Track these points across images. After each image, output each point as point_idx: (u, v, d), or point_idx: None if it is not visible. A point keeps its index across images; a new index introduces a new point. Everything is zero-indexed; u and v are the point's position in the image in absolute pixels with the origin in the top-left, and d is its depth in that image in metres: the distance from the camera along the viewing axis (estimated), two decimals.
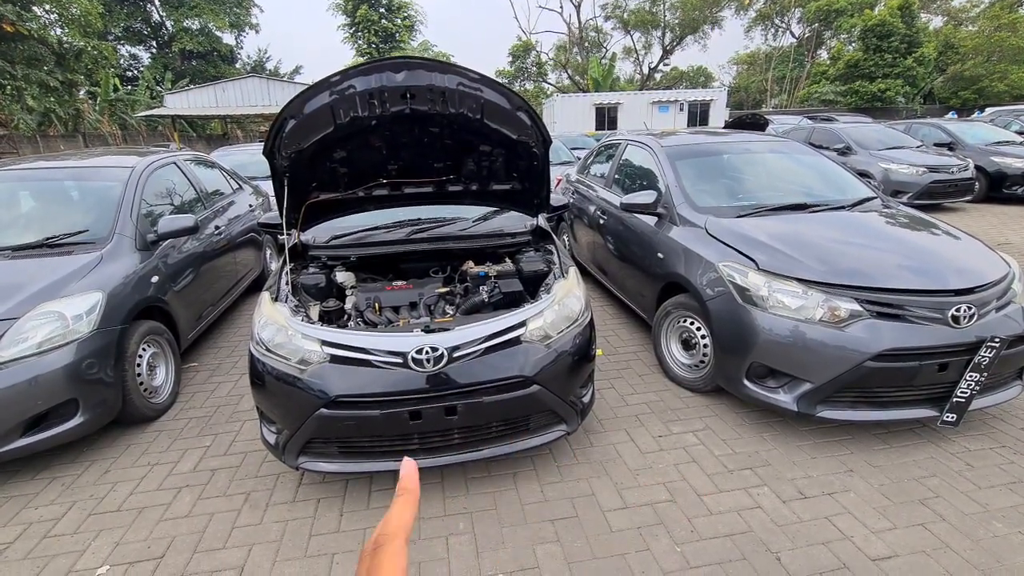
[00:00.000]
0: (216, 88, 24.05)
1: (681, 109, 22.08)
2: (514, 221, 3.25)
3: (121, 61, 34.63)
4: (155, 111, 24.85)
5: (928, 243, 2.92)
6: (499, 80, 2.32)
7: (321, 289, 2.76)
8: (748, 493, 2.36)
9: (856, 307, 2.48)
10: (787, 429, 2.83)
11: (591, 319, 2.55)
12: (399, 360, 2.11)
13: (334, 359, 2.14)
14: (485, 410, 2.18)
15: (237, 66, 38.69)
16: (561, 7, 32.36)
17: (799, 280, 2.62)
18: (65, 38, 26.44)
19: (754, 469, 2.53)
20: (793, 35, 32.49)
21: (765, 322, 2.63)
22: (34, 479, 2.62)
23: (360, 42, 19.54)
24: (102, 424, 2.76)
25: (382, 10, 19.13)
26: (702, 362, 3.11)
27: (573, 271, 2.71)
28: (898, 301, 2.47)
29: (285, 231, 2.82)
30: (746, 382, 2.74)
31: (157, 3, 35.84)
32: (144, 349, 3.06)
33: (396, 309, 2.62)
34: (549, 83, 32.59)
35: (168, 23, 36.28)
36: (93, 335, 2.66)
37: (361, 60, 21.72)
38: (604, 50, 32.57)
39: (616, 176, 4.57)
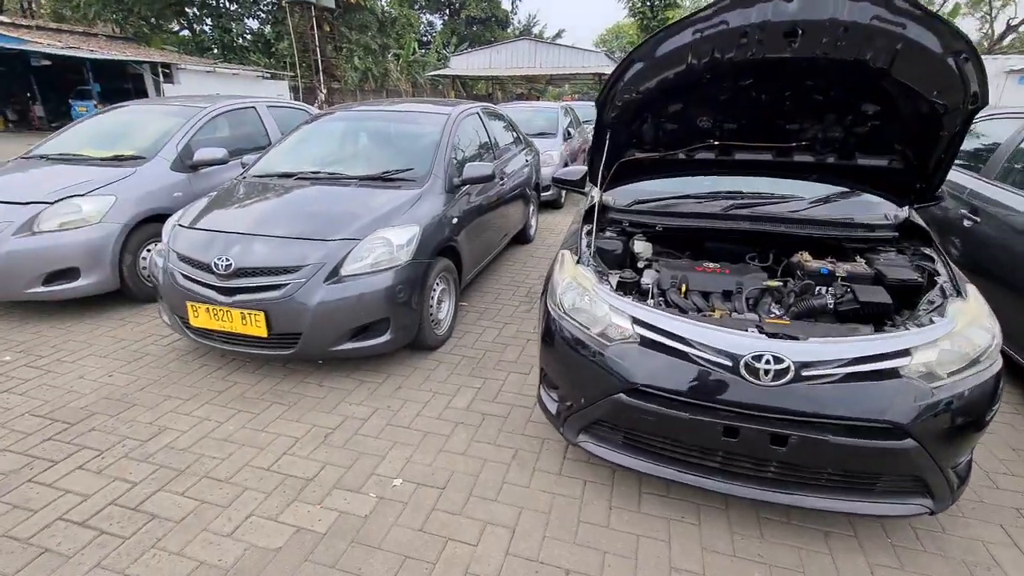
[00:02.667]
0: (492, 51, 26.25)
1: None
2: (869, 209, 2.50)
3: (421, 27, 40.55)
4: (441, 71, 28.38)
5: None
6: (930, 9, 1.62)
7: (616, 256, 2.52)
8: None
9: None
10: None
11: (1001, 367, 1.76)
12: (728, 363, 1.72)
13: (644, 341, 1.87)
14: (827, 452, 1.67)
15: (507, 31, 41.85)
16: None
17: None
18: (386, 8, 31.77)
19: None
20: None
21: None
22: (348, 377, 3.06)
23: (634, 0, 18.85)
24: (401, 345, 3.06)
25: None
26: None
27: (974, 291, 1.92)
28: None
29: (598, 187, 2.64)
30: None
31: None
32: (436, 284, 3.30)
33: (705, 295, 2.22)
34: None
35: None
36: (409, 264, 2.92)
37: (634, 19, 20.97)
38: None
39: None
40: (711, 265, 2.33)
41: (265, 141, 5.26)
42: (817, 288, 2.13)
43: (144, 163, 4.14)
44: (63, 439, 2.48)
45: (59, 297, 3.66)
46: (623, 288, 2.24)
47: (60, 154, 4.40)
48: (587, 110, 11.95)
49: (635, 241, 2.57)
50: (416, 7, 38.72)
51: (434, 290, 3.26)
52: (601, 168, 2.58)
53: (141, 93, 19.86)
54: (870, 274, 2.13)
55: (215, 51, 29.60)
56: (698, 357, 1.77)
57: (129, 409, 2.72)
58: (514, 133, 5.62)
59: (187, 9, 27.94)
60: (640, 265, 2.57)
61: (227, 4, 29.40)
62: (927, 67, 1.80)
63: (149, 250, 4.01)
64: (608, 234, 2.63)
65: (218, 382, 3.00)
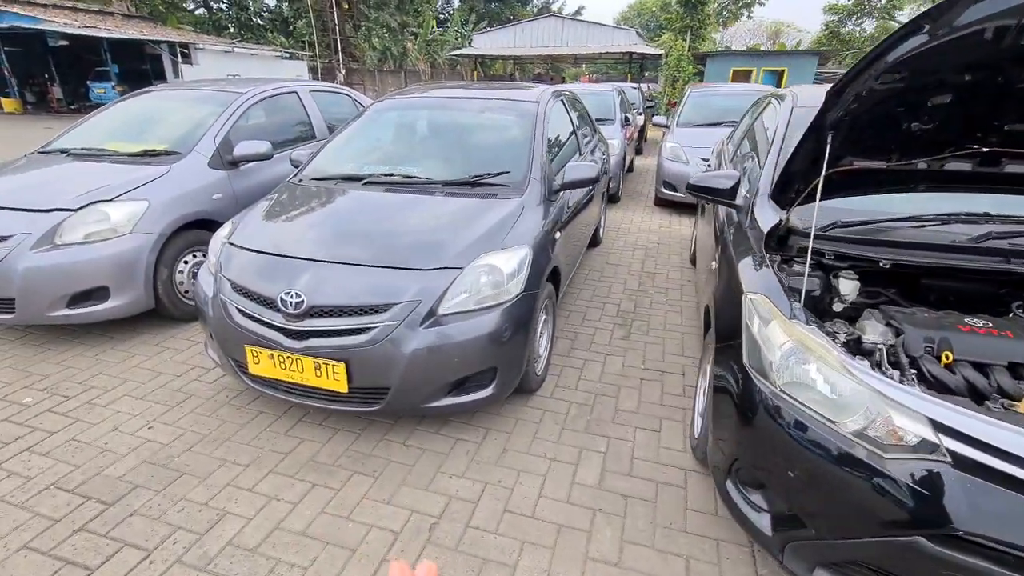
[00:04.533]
0: (516, 28, 25.21)
1: None
2: None
3: (438, 4, 39.38)
4: (463, 51, 27.42)
5: None
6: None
7: (811, 299, 1.88)
8: None
9: None
10: None
11: None
12: None
13: (962, 462, 1.24)
14: None
15: (527, 8, 40.47)
16: None
17: None
18: None
19: None
20: None
21: None
22: (438, 434, 2.48)
23: None
24: (505, 396, 2.47)
25: None
26: None
27: None
28: None
29: (788, 205, 2.00)
30: None
31: None
32: (540, 315, 2.69)
33: (981, 368, 1.58)
34: (898, 22, 25.39)
35: None
36: (521, 298, 2.30)
37: None
38: None
39: None
40: (979, 323, 1.67)
41: (308, 132, 4.65)
42: None
43: (179, 159, 3.56)
44: (98, 530, 1.93)
45: (86, 320, 3.12)
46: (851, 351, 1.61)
47: (82, 148, 3.83)
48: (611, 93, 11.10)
49: (842, 278, 1.92)
50: None
51: (537, 322, 2.65)
52: (798, 180, 1.93)
53: (159, 74, 19.32)
54: None
55: (231, 30, 28.92)
56: None
57: (178, 480, 2.17)
58: (589, 122, 4.93)
59: None
60: (837, 308, 1.94)
61: None
62: None
63: (186, 262, 3.45)
64: (797, 268, 1.99)
65: (281, 439, 2.44)
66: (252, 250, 2.41)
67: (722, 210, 2.86)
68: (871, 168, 1.88)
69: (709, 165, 4.61)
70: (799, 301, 1.73)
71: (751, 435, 1.63)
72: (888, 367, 1.59)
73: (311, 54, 25.57)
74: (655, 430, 2.54)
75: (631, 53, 22.76)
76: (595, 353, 3.25)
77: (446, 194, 2.70)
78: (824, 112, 1.69)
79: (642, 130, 11.63)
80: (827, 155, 1.75)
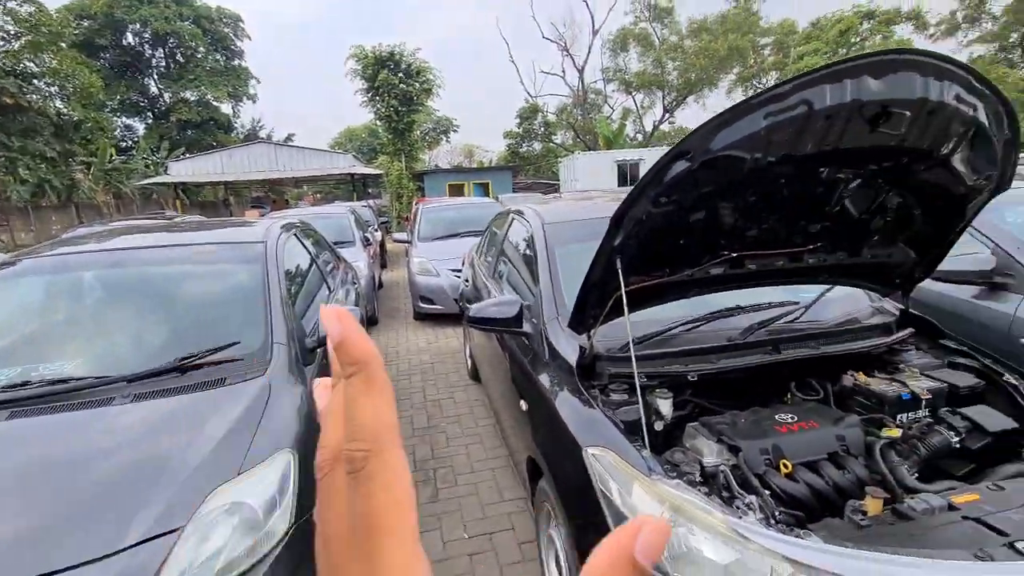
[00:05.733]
0: (224, 154, 23.56)
1: None
2: (857, 304, 2.26)
3: (116, 132, 34.42)
4: (158, 179, 24.19)
5: None
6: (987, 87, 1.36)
7: (632, 426, 1.70)
8: None
9: None
10: None
11: None
12: None
13: None
14: None
15: (231, 135, 38.71)
16: (564, 72, 32.85)
17: None
18: (64, 109, 26.12)
19: None
20: None
21: None
22: None
23: (379, 106, 19.17)
24: None
25: (400, 75, 18.91)
26: None
27: None
28: None
29: (589, 334, 1.82)
30: None
31: (155, 77, 36.13)
32: None
33: (814, 467, 1.56)
34: (555, 143, 32.73)
35: (166, 95, 36.45)
36: (294, 535, 1.53)
37: (380, 123, 21.27)
38: (610, 108, 33.11)
39: None
40: (788, 419, 1.69)
41: None
42: (922, 424, 1.69)
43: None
44: None
45: None
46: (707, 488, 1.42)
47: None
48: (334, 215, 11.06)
49: (658, 398, 1.80)
50: (107, 110, 32.86)
51: None
52: (593, 304, 1.79)
53: None
54: (944, 389, 1.80)
55: None
56: None
57: None
58: (328, 248, 4.40)
59: None
60: (658, 427, 1.80)
61: None
62: (981, 150, 1.59)
63: None
64: (615, 397, 1.80)
65: None
66: None
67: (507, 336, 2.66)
68: (653, 283, 1.87)
69: (467, 280, 4.57)
70: (644, 445, 1.50)
71: None
72: (739, 491, 1.44)
73: None
74: None
75: (352, 174, 23.45)
76: None
77: (134, 399, 1.75)
78: (610, 238, 1.60)
79: (382, 245, 11.64)
80: (621, 278, 1.64)
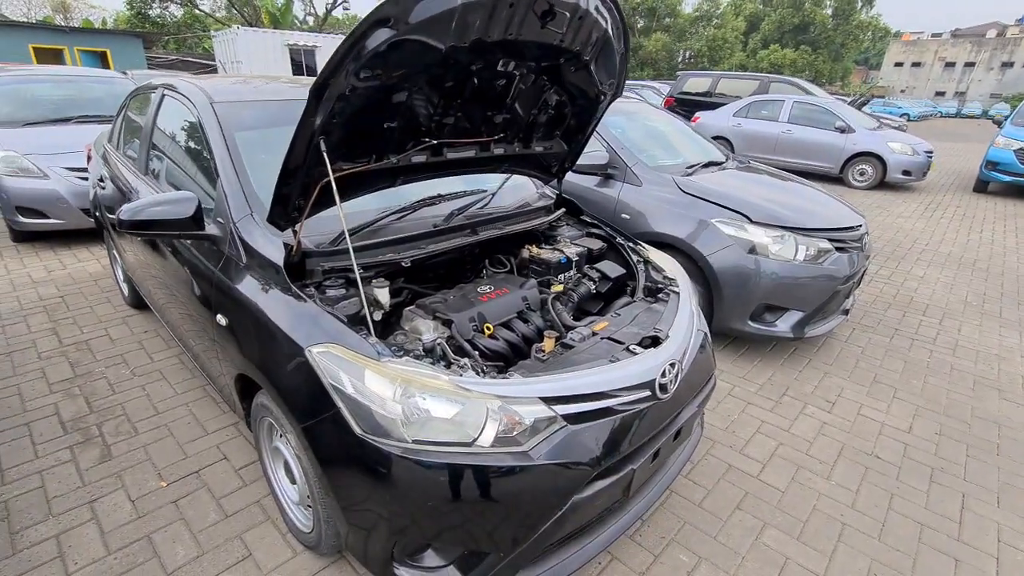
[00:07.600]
0: None
1: None
2: (527, 191, 2.66)
3: None
4: None
5: (810, 193, 3.75)
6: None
7: (360, 319, 1.73)
8: None
9: (827, 245, 3.09)
10: None
11: None
12: (647, 392, 1.57)
13: (569, 418, 1.44)
14: (686, 428, 1.87)
15: None
16: None
17: (784, 228, 3.07)
18: None
19: None
20: None
21: (769, 267, 3.00)
22: None
23: None
24: None
25: None
26: None
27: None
28: (842, 237, 3.20)
29: (294, 229, 1.63)
30: (750, 322, 3.11)
31: None
32: None
33: (508, 325, 1.88)
34: (202, 10, 25.70)
35: None
36: None
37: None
38: None
39: None
40: (486, 289, 1.95)
41: None
42: (573, 278, 2.19)
43: None
44: None
45: None
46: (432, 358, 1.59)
47: None
48: None
49: (375, 289, 1.81)
50: None
51: None
52: (295, 196, 1.61)
53: None
54: (585, 252, 2.36)
55: None
56: (620, 405, 1.52)
57: None
58: None
59: None
60: (377, 317, 1.87)
61: None
62: (608, 60, 1.99)
63: None
64: (331, 292, 1.74)
65: None
66: None
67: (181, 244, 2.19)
68: (360, 170, 1.78)
69: (101, 180, 3.42)
70: (370, 332, 1.52)
71: (404, 504, 1.37)
72: (454, 357, 1.65)
73: None
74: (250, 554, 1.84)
75: None
76: (70, 514, 2.00)
77: None
78: (310, 115, 1.42)
79: None
80: (328, 163, 1.51)
